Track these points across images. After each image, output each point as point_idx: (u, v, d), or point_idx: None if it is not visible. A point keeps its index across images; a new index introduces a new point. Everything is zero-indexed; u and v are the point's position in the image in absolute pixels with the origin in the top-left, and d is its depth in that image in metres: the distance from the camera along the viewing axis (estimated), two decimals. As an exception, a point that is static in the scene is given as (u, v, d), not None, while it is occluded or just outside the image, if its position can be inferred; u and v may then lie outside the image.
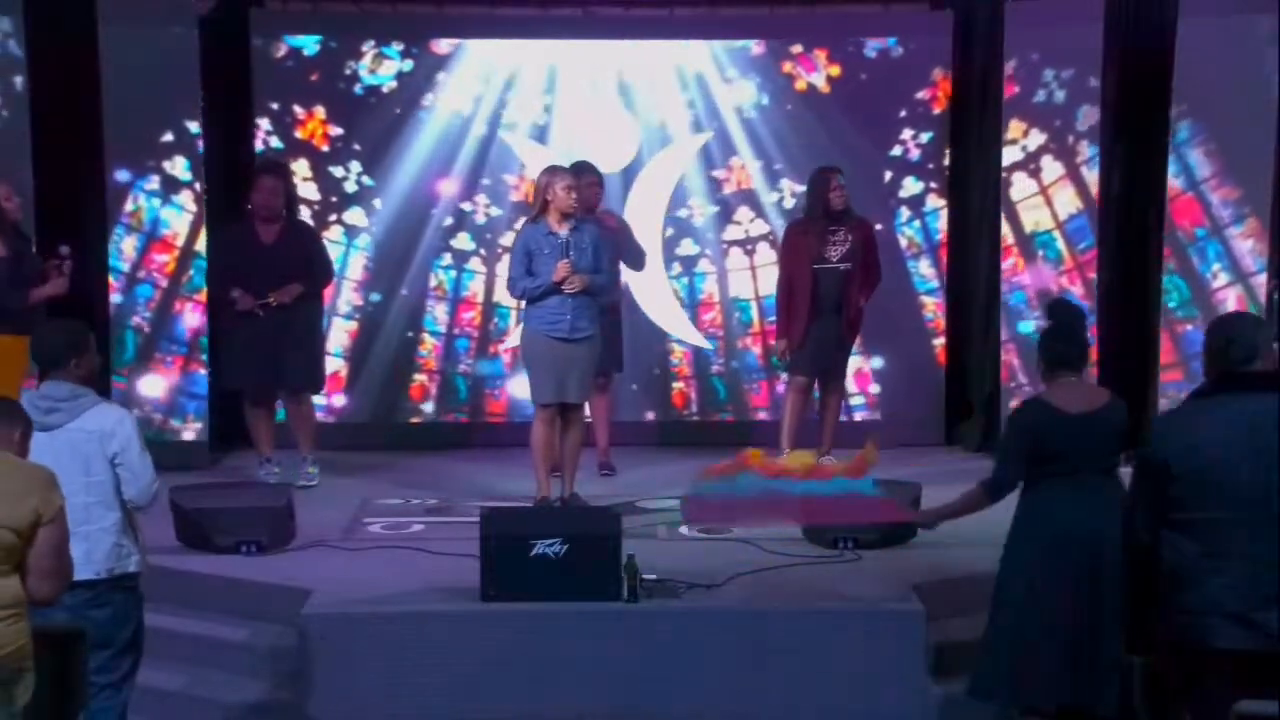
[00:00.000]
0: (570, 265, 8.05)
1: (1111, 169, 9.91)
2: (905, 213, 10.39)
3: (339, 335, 10.27)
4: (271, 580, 7.26)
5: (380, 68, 10.23)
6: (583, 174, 9.01)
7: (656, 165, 10.44)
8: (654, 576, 6.92)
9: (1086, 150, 9.74)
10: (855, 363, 9.99)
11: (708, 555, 7.53)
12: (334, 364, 10.16)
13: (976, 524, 8.03)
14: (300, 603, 6.86)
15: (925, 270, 10.43)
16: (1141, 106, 9.80)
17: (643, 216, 10.29)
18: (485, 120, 10.31)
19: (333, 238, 10.16)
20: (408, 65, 10.26)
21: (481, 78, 10.32)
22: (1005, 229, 9.91)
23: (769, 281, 10.13)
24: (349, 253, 10.27)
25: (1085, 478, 5.74)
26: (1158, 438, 4.81)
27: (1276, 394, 4.78)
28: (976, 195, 10.31)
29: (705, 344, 10.56)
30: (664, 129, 10.44)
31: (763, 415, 10.46)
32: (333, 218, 10.22)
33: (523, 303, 8.39)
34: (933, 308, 10.44)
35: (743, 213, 10.47)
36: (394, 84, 10.25)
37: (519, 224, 9.21)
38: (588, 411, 9.03)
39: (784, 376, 9.50)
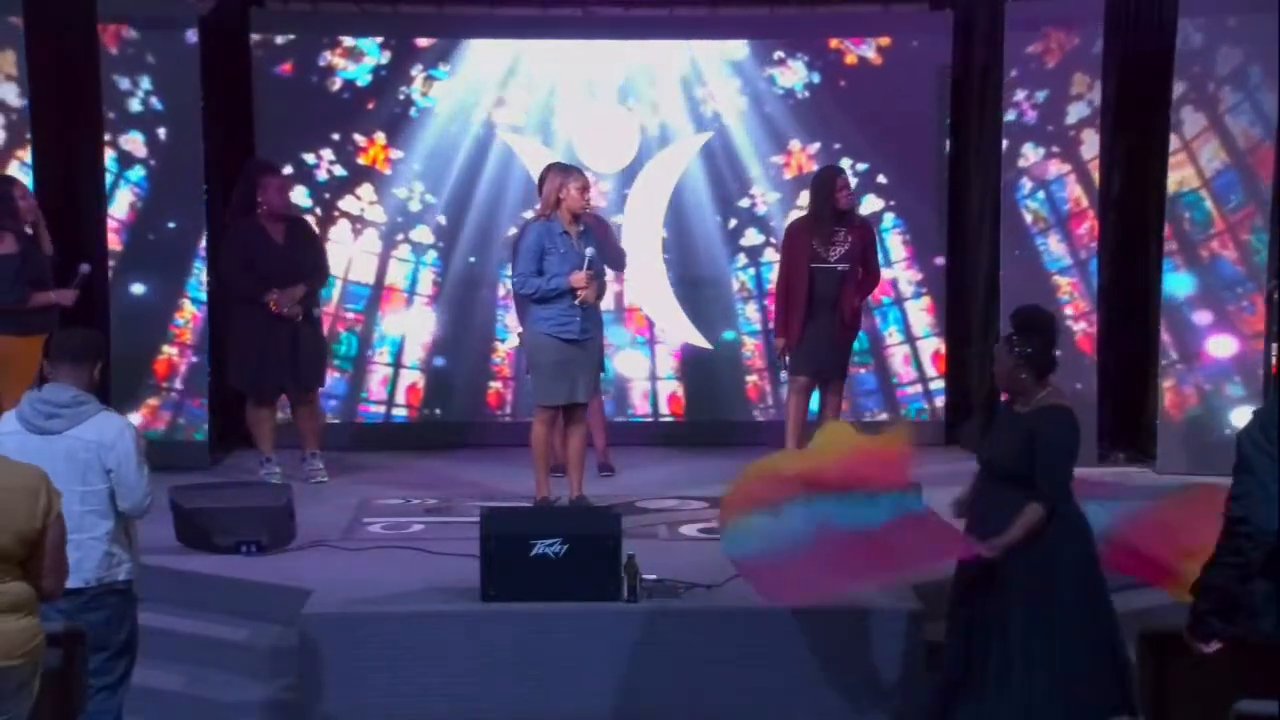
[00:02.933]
0: (590, 276, 8.05)
1: (1111, 169, 9.91)
2: (1027, 184, 9.82)
3: (414, 349, 10.37)
4: (271, 580, 7.26)
5: (431, 89, 10.28)
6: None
7: (657, 165, 10.43)
8: (654, 576, 6.92)
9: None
10: (934, 344, 9.92)
11: (708, 555, 7.51)
12: (411, 376, 10.36)
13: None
14: (300, 603, 6.86)
15: (1055, 246, 9.87)
16: (1141, 106, 9.81)
17: (643, 216, 10.30)
18: (530, 127, 10.37)
19: (401, 256, 10.29)
20: (457, 84, 10.30)
21: (517, 82, 10.36)
22: (1084, 195, 9.63)
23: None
24: (418, 269, 10.32)
25: None
26: None
27: None
28: (976, 195, 10.30)
29: (707, 344, 10.55)
30: (664, 129, 10.43)
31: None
32: (399, 237, 10.31)
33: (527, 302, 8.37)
34: (1068, 288, 9.81)
35: (802, 198, 10.21)
36: (448, 104, 10.30)
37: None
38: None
39: (784, 376, 9.48)
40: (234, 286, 9.14)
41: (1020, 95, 9.69)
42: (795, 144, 10.40)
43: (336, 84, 10.24)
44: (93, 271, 8.88)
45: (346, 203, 10.27)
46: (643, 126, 10.41)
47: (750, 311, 10.48)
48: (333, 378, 10.24)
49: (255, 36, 10.16)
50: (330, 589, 7.02)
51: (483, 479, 9.29)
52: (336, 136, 10.24)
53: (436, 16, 10.47)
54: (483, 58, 10.33)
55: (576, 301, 8.05)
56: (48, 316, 8.39)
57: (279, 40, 10.18)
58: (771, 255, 10.34)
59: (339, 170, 10.20)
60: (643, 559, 6.86)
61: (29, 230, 8.66)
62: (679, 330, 10.53)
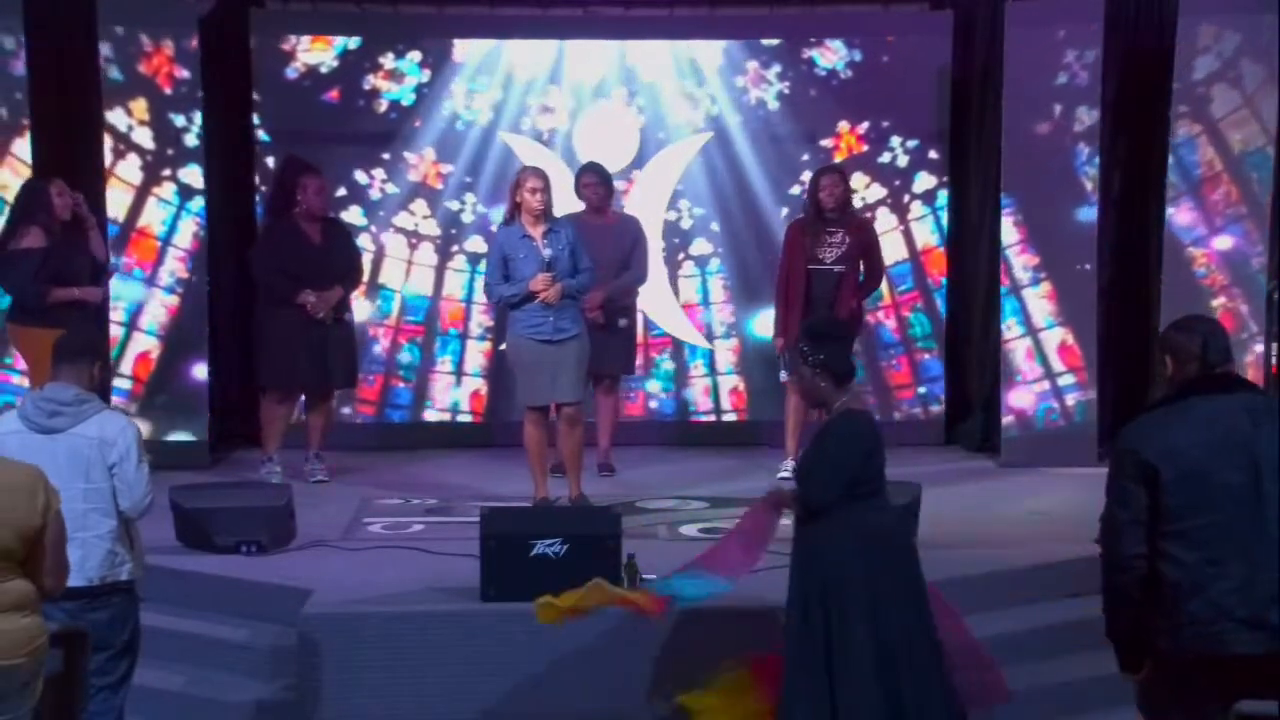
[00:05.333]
0: (550, 279, 8.06)
1: (1111, 169, 9.91)
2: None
3: (474, 356, 10.42)
4: (271, 580, 7.26)
5: (474, 102, 10.33)
6: (582, 174, 9.02)
7: (657, 165, 10.43)
8: (654, 576, 6.90)
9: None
10: (1059, 335, 9.64)
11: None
12: (474, 383, 10.41)
13: (976, 524, 8.09)
14: (300, 603, 6.86)
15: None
16: (1141, 106, 9.80)
17: (642, 216, 10.30)
18: (533, 128, 10.41)
19: (457, 267, 10.32)
20: (500, 95, 10.33)
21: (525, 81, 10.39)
22: (1212, 154, 9.36)
23: (896, 249, 10.28)
24: (473, 279, 10.30)
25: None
26: (1140, 446, 4.75)
27: (1242, 392, 4.79)
28: (976, 195, 10.30)
29: (705, 344, 10.55)
30: (664, 129, 10.43)
31: (906, 393, 10.45)
32: (454, 249, 10.34)
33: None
34: (1203, 260, 9.48)
35: (857, 180, 10.27)
36: (491, 115, 10.34)
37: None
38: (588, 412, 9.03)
39: (784, 377, 9.48)
40: (269, 286, 9.16)
41: (1070, 55, 9.57)
42: (844, 125, 10.35)
43: (383, 105, 10.30)
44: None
45: (401, 219, 10.37)
46: (644, 125, 10.42)
47: None
48: (396, 387, 10.35)
49: (300, 64, 10.22)
50: (330, 589, 7.01)
51: (483, 479, 9.29)
52: (387, 156, 10.29)
53: (436, 17, 10.48)
54: (525, 59, 10.38)
55: (539, 303, 8.07)
56: (77, 312, 8.42)
57: (324, 70, 10.23)
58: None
59: (390, 189, 10.29)
60: (643, 559, 6.86)
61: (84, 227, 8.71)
62: (679, 330, 10.52)
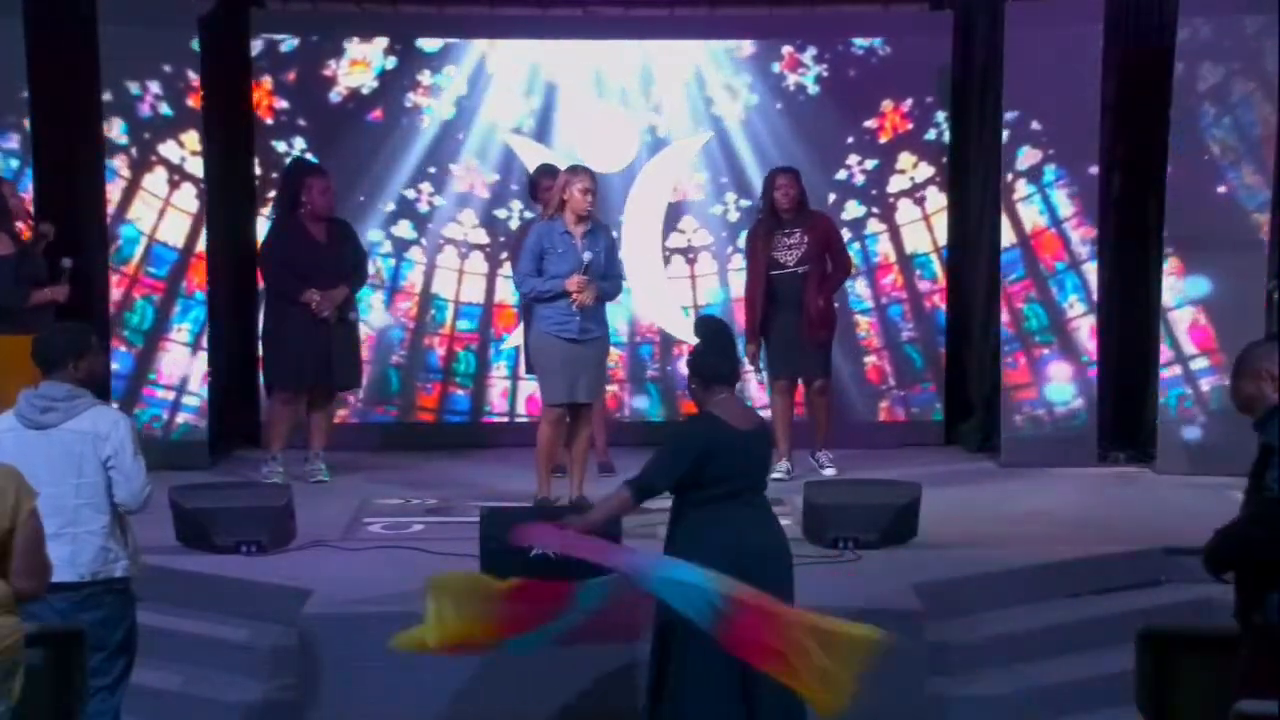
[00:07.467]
0: (585, 281, 8.06)
1: (1112, 169, 9.91)
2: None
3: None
4: (271, 580, 7.26)
5: (508, 108, 10.35)
6: (541, 177, 9.03)
7: (656, 165, 10.43)
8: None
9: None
10: (1189, 315, 9.45)
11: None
12: (529, 386, 10.33)
13: (977, 524, 8.09)
14: (300, 603, 6.86)
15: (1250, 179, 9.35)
16: (1141, 106, 9.80)
17: (643, 216, 10.31)
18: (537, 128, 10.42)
19: (506, 274, 10.28)
20: (534, 102, 10.35)
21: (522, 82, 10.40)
22: (1269, 110, 9.25)
23: (946, 231, 10.27)
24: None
25: (751, 496, 5.75)
26: None
27: None
28: (976, 195, 10.30)
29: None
30: (664, 129, 10.43)
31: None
32: (503, 255, 10.32)
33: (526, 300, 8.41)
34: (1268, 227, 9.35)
35: (905, 159, 10.28)
36: (532, 122, 10.36)
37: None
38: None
39: (764, 379, 9.48)
40: (276, 283, 9.21)
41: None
42: (888, 104, 10.31)
43: (424, 120, 10.31)
44: (78, 266, 8.88)
45: (450, 229, 10.42)
46: (642, 127, 10.40)
47: (860, 288, 10.30)
48: (454, 394, 10.42)
49: (344, 85, 10.26)
50: (330, 589, 7.01)
51: (483, 479, 9.29)
52: (433, 170, 10.32)
53: (436, 17, 10.48)
54: (549, 61, 10.39)
55: (573, 305, 8.06)
56: (45, 314, 8.44)
57: (365, 91, 10.26)
58: (875, 226, 10.33)
59: (438, 201, 10.34)
60: (643, 559, 6.85)
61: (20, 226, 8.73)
62: (679, 329, 10.51)
